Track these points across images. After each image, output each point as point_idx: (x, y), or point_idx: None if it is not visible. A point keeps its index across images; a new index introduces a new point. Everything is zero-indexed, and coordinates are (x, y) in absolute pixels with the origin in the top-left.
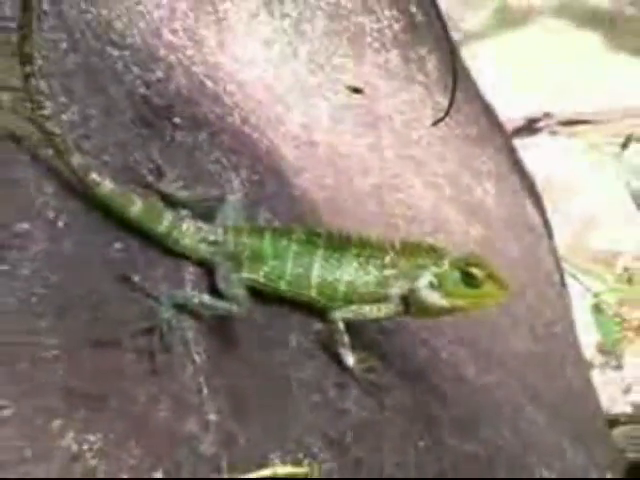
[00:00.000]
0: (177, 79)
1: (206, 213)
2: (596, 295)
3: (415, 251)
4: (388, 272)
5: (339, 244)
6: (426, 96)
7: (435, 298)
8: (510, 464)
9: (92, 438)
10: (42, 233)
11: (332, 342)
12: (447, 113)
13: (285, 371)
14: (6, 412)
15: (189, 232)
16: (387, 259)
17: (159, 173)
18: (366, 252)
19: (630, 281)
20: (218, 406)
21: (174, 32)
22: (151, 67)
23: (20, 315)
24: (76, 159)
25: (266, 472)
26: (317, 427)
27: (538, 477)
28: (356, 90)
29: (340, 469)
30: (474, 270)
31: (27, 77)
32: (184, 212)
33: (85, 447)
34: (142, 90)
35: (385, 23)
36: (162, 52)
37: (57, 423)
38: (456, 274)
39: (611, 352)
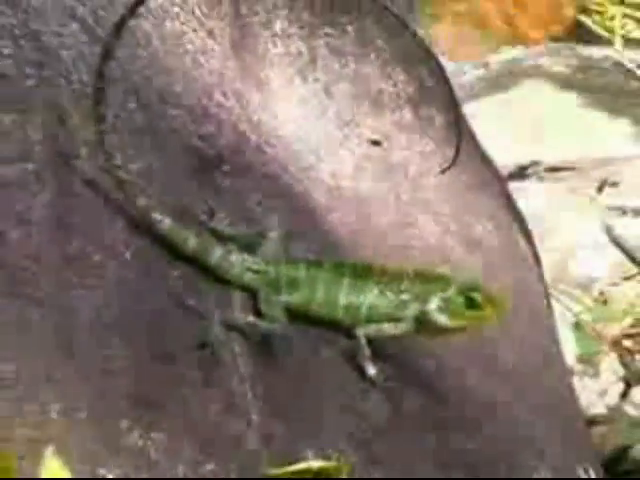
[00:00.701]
0: (226, 134)
1: (250, 247)
2: (576, 315)
3: (426, 279)
4: (403, 297)
5: (362, 273)
6: (435, 148)
7: (442, 319)
8: (509, 459)
9: (154, 436)
10: (113, 263)
11: (356, 355)
12: (452, 163)
13: (317, 379)
14: (81, 414)
15: (236, 263)
16: (402, 286)
17: (211, 213)
18: (385, 280)
19: (605, 302)
20: (260, 409)
21: (224, 94)
22: (204, 123)
23: (94, 332)
24: (141, 201)
25: (301, 466)
26: (343, 427)
27: (536, 477)
28: (375, 143)
29: (362, 463)
30: (475, 295)
31: (101, 133)
32: (232, 246)
33: (149, 443)
34: (196, 143)
35: (400, 87)
36: (213, 111)
37: (125, 423)
38: (460, 299)
39: (589, 362)
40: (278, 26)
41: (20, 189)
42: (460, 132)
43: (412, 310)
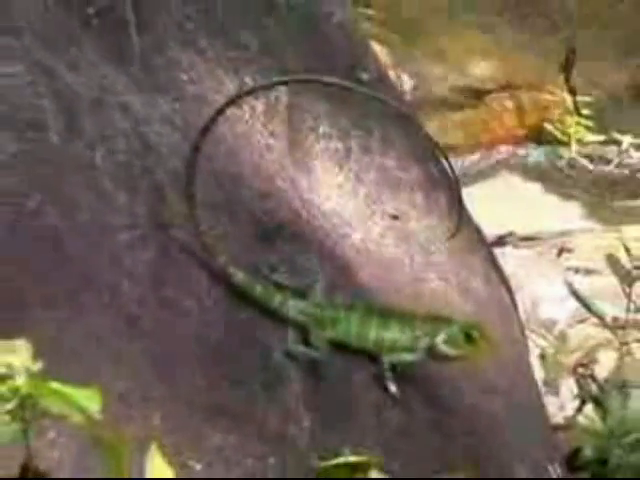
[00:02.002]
0: (283, 209)
1: (302, 294)
2: (542, 348)
3: (434, 319)
4: (417, 333)
5: (386, 314)
6: (439, 222)
7: (447, 350)
8: (496, 459)
9: (230, 438)
10: (198, 307)
11: (382, 377)
12: (454, 234)
13: (352, 395)
14: (173, 422)
15: (292, 307)
16: (416, 324)
17: (272, 269)
18: (403, 320)
19: (563, 339)
20: (310, 418)
21: (282, 179)
22: (267, 201)
23: (183, 359)
24: (220, 259)
25: (341, 459)
26: (374, 431)
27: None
28: (395, 217)
29: (386, 458)
30: (472, 332)
31: (191, 208)
32: (288, 294)
33: (226, 443)
34: (261, 216)
35: (414, 176)
36: (274, 192)
37: (208, 428)
38: (461, 335)
39: (551, 384)
40: (321, 129)
41: (129, 249)
42: (461, 211)
43: (424, 343)
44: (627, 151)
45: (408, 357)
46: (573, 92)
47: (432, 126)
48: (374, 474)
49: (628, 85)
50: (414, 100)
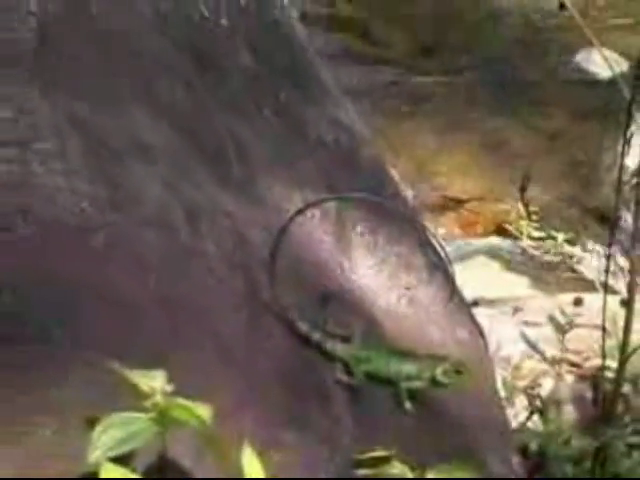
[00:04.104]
0: (333, 283)
1: (347, 340)
2: (503, 377)
3: (434, 357)
4: (424, 367)
5: (403, 354)
6: (437, 291)
7: (444, 380)
8: (476, 452)
9: (299, 436)
10: (277, 349)
11: (400, 397)
12: (449, 300)
13: (380, 409)
14: (253, 425)
15: (340, 349)
16: (423, 360)
17: (326, 322)
18: (414, 357)
19: (518, 370)
20: (352, 425)
21: (333, 263)
22: (323, 278)
23: (265, 382)
24: (292, 315)
25: (372, 454)
26: (393, 434)
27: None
28: (407, 288)
29: (404, 453)
30: (460, 367)
31: (272, 284)
32: (337, 339)
33: (296, 442)
34: (319, 287)
35: (419, 259)
36: (328, 271)
37: (283, 429)
38: (452, 369)
39: (509, 401)
40: (358, 229)
41: (233, 311)
42: (453, 284)
43: (428, 374)
44: (561, 244)
45: (417, 384)
46: (526, 205)
47: (429, 223)
48: (396, 465)
49: (565, 197)
50: (415, 205)
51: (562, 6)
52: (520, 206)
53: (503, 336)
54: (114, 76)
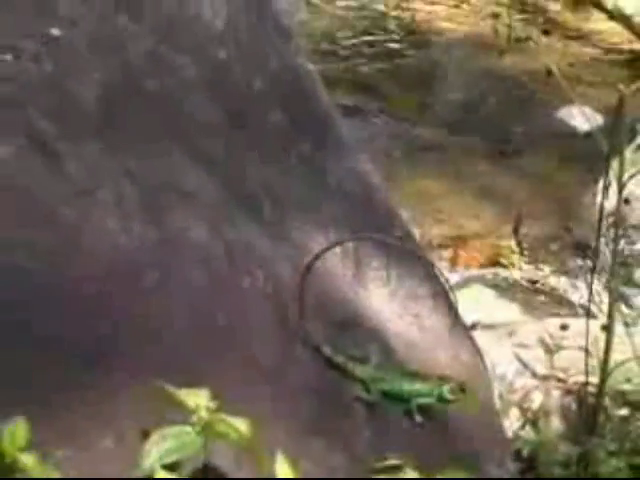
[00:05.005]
0: (351, 312)
1: (365, 361)
2: (499, 392)
3: (441, 378)
4: (432, 385)
5: (414, 374)
6: (442, 318)
7: (449, 398)
8: (475, 456)
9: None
10: (305, 376)
11: (410, 412)
12: (452, 325)
13: (395, 420)
14: (285, 436)
15: (359, 369)
16: (432, 380)
17: (347, 346)
18: (424, 377)
19: (511, 386)
20: (369, 433)
21: (351, 294)
22: (343, 308)
23: (296, 401)
24: (317, 340)
25: (388, 462)
26: (403, 441)
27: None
28: (416, 315)
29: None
30: (464, 386)
31: (301, 315)
32: (357, 361)
33: (323, 452)
34: (340, 317)
35: (425, 290)
36: (346, 302)
37: (309, 439)
38: (457, 387)
39: (505, 413)
40: (373, 264)
41: (256, 339)
42: (455, 311)
43: (436, 392)
44: (548, 276)
45: (427, 401)
46: (519, 241)
47: (433, 257)
48: (409, 472)
49: (552, 234)
50: (422, 242)
51: (549, 72)
52: (513, 242)
53: (498, 357)
54: (163, 134)
